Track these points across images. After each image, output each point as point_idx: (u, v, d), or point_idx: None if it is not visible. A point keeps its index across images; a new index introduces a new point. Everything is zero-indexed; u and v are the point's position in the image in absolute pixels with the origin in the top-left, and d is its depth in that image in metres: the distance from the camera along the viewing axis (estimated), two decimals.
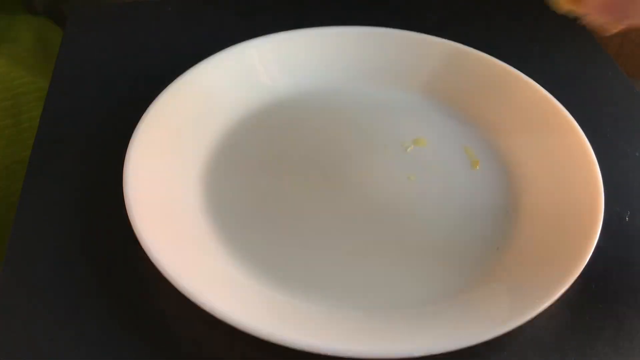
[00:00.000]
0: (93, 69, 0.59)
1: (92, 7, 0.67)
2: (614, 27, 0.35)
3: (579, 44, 0.63)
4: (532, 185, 0.46)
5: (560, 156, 0.46)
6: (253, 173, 0.48)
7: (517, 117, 0.50)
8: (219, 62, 0.53)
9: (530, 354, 0.38)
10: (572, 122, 0.47)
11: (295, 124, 0.52)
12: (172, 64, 0.54)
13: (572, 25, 0.65)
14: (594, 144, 0.46)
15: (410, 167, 0.49)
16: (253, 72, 0.54)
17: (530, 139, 0.49)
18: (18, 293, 0.41)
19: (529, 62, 0.57)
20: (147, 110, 0.48)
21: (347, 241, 0.44)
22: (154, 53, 0.60)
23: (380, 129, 0.52)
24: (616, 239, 0.44)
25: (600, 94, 0.57)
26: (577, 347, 0.38)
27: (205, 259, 0.41)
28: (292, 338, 0.35)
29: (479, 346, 0.36)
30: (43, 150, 0.50)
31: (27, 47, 0.72)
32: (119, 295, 0.41)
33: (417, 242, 0.44)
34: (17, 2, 0.77)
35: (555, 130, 0.48)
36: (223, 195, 0.46)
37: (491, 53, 0.55)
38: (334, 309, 0.39)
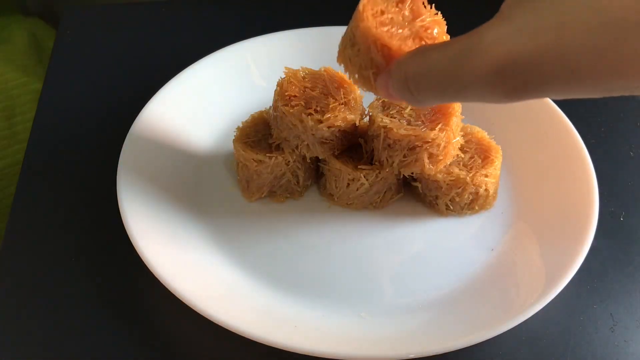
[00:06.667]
0: (86, 70, 0.58)
1: (85, 8, 0.67)
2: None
3: None
4: (525, 185, 0.46)
5: (555, 156, 0.46)
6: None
7: (511, 117, 0.50)
8: (212, 64, 0.52)
9: (525, 354, 0.38)
10: (566, 122, 0.47)
11: None
12: (165, 65, 0.54)
13: None
14: (588, 144, 0.46)
15: None
16: (247, 73, 0.54)
17: (523, 139, 0.49)
18: (11, 293, 0.41)
19: None
20: (140, 112, 0.47)
21: (342, 245, 0.44)
22: (147, 54, 0.60)
23: None
24: (611, 238, 0.44)
25: None
26: (572, 347, 0.38)
27: (199, 260, 0.41)
28: (290, 342, 0.35)
29: (473, 347, 0.36)
30: (37, 153, 0.50)
31: (21, 48, 0.72)
32: (113, 296, 0.41)
33: (410, 245, 0.44)
34: (10, 3, 0.76)
35: (549, 130, 0.48)
36: (217, 196, 0.46)
37: None
38: (330, 312, 0.39)
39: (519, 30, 0.24)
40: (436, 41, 0.34)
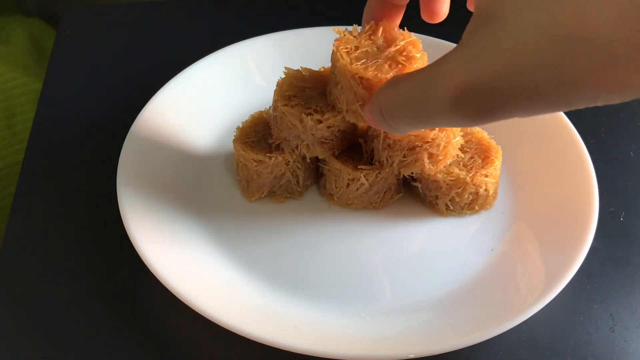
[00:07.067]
0: (86, 70, 0.58)
1: (85, 8, 0.67)
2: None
3: None
4: (525, 186, 0.46)
5: (555, 156, 0.46)
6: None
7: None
8: (212, 64, 0.52)
9: (525, 354, 0.38)
10: (566, 121, 0.47)
11: None
12: (165, 65, 0.54)
13: None
14: (588, 144, 0.46)
15: None
16: (247, 73, 0.54)
17: (523, 139, 0.49)
18: (11, 293, 0.41)
19: None
20: (140, 112, 0.47)
21: (342, 245, 0.44)
22: (147, 54, 0.60)
23: None
24: (611, 238, 0.44)
25: None
26: (572, 347, 0.38)
27: (199, 260, 0.41)
28: (291, 342, 0.35)
29: (473, 347, 0.36)
30: (37, 153, 0.50)
31: (21, 48, 0.72)
32: (113, 296, 0.41)
33: (410, 245, 0.44)
34: (10, 3, 0.76)
35: (549, 130, 0.48)
36: (217, 196, 0.46)
37: None
38: (330, 312, 0.39)
39: (475, 56, 0.25)
40: (412, 61, 0.35)
